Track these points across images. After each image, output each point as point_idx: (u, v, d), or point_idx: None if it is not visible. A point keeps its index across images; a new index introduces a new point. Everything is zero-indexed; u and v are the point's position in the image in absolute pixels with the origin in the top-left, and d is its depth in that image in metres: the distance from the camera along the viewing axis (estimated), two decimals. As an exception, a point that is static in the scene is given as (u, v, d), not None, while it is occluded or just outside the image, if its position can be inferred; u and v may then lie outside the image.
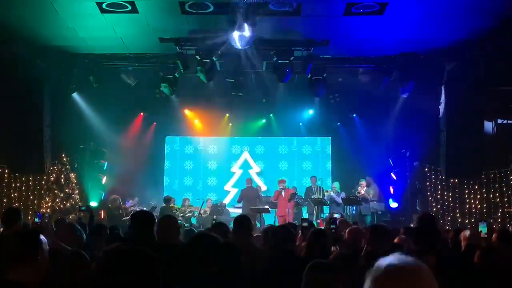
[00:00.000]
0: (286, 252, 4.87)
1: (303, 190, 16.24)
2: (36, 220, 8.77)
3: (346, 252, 4.96)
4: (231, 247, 3.37)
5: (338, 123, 17.73)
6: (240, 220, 5.69)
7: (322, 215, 15.39)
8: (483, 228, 6.29)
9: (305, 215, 15.28)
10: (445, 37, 11.99)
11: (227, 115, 17.75)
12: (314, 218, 15.04)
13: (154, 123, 17.76)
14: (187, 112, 17.60)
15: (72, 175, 15.31)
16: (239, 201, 15.69)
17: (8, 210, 6.27)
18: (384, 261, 1.85)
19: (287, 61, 12.79)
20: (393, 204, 15.84)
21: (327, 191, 15.57)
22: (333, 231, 5.98)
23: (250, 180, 16.08)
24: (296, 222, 13.88)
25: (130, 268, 2.23)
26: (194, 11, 10.77)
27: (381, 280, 1.80)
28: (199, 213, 15.21)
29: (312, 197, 15.33)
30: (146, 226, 4.73)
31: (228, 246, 3.32)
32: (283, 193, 14.93)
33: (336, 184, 15.63)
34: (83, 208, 10.62)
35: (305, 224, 7.12)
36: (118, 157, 16.51)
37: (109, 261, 2.29)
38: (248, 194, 15.33)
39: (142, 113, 17.39)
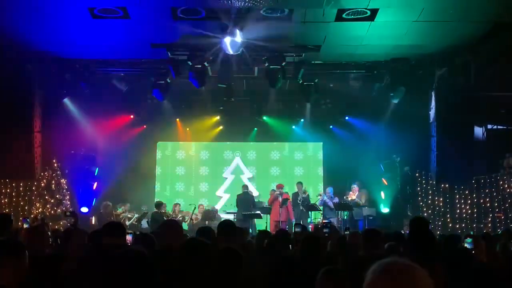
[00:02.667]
0: (279, 256, 4.88)
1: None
2: (25, 225, 8.74)
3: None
4: (229, 252, 3.39)
5: (330, 128, 17.76)
6: (223, 226, 5.64)
7: (311, 220, 15.41)
8: (468, 244, 6.01)
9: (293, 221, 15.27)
10: (435, 43, 12.09)
11: (219, 120, 17.75)
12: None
13: (146, 128, 17.71)
14: (178, 117, 17.56)
15: (63, 181, 15.24)
16: (238, 206, 15.66)
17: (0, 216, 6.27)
18: (382, 261, 1.88)
19: (279, 67, 12.85)
20: (384, 209, 15.90)
21: (320, 195, 15.60)
22: (326, 235, 6.00)
23: (245, 186, 16.08)
24: (287, 228, 13.97)
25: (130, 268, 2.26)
26: (185, 17, 10.81)
27: (378, 278, 1.83)
28: (191, 218, 15.18)
29: (304, 203, 15.32)
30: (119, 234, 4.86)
31: (226, 251, 3.34)
32: (280, 198, 14.89)
33: (330, 190, 15.64)
34: (67, 213, 10.59)
35: (298, 229, 7.14)
36: (109, 163, 16.45)
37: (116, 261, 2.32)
38: (243, 199, 15.33)
39: (133, 118, 17.33)
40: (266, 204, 15.79)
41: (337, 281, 3.51)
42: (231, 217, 14.99)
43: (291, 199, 15.52)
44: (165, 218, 14.45)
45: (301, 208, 15.30)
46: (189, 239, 3.61)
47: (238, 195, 15.62)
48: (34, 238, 4.93)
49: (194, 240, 3.59)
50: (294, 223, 14.42)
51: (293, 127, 18.02)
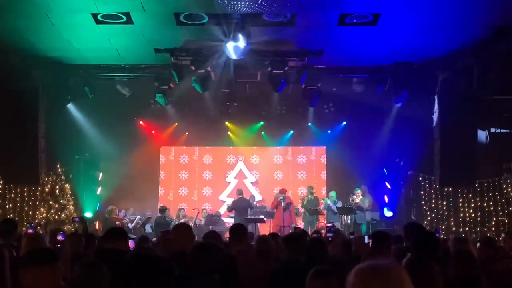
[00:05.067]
0: (286, 260, 4.89)
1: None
2: (30, 230, 8.75)
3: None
4: (232, 257, 3.42)
5: (333, 133, 17.78)
6: (235, 229, 5.72)
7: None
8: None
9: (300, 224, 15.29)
10: (438, 47, 12.10)
11: (222, 125, 17.78)
12: (309, 228, 15.07)
13: (149, 133, 17.76)
14: (181, 122, 17.59)
15: (67, 186, 15.27)
16: (229, 211, 15.69)
17: (5, 221, 6.32)
18: (359, 265, 1.93)
19: (282, 71, 12.86)
20: (388, 213, 15.89)
21: (323, 199, 15.62)
22: (329, 239, 6.02)
23: (240, 190, 16.06)
24: (290, 231, 13.97)
25: (148, 273, 2.29)
26: (189, 22, 10.84)
27: (353, 280, 1.88)
28: (194, 223, 15.19)
29: (308, 207, 15.35)
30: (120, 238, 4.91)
31: (229, 256, 3.37)
32: (283, 204, 14.92)
33: (333, 194, 15.66)
34: (76, 219, 10.61)
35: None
36: (113, 168, 16.50)
37: (128, 267, 2.34)
38: (240, 205, 15.32)
39: (137, 123, 17.39)
40: (267, 208, 15.83)
41: (325, 282, 3.53)
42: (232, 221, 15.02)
43: (296, 203, 15.59)
44: (170, 223, 14.50)
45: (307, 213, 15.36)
46: (200, 243, 3.64)
47: (234, 201, 15.61)
48: (34, 246, 4.96)
49: (206, 243, 3.62)
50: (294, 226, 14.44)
51: (296, 131, 18.03)
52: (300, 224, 15.39)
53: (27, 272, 3.24)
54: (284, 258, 5.23)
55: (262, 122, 17.73)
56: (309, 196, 15.58)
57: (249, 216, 14.88)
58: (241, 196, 15.64)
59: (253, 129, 18.00)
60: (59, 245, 5.56)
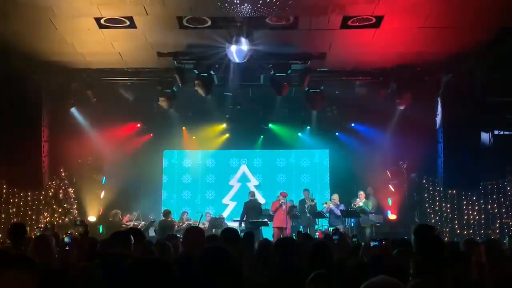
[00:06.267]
0: (286, 265, 4.86)
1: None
2: (38, 234, 8.76)
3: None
4: (237, 262, 3.42)
5: (336, 135, 17.77)
6: (227, 233, 5.69)
7: (319, 227, 15.44)
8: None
9: (301, 228, 15.26)
10: (441, 49, 12.08)
11: (225, 128, 17.79)
12: (309, 231, 15.06)
13: (152, 137, 17.75)
14: (184, 126, 17.61)
15: (70, 190, 15.29)
16: (242, 216, 15.55)
17: (15, 225, 6.38)
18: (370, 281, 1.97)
19: (285, 74, 12.86)
20: (392, 216, 15.85)
21: (326, 203, 15.60)
22: (335, 242, 6.00)
23: (252, 193, 16.06)
24: (294, 235, 13.97)
25: (152, 277, 2.28)
26: (192, 26, 10.86)
27: None
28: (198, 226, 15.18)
29: (311, 211, 15.33)
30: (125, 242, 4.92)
31: (235, 259, 3.37)
32: (283, 206, 14.93)
33: (336, 197, 15.65)
34: (78, 223, 10.60)
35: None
36: (116, 172, 16.50)
37: (132, 270, 2.34)
38: (251, 205, 15.33)
39: (139, 127, 17.38)
40: (271, 212, 15.81)
41: (323, 286, 3.53)
42: (237, 225, 15.03)
43: (296, 206, 15.57)
44: (174, 226, 14.51)
45: (307, 215, 15.32)
46: (211, 246, 3.63)
47: (245, 203, 15.60)
48: (40, 250, 4.96)
49: (217, 247, 3.61)
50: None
51: (299, 134, 18.04)
52: (299, 227, 15.39)
53: (1, 276, 3.28)
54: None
55: (265, 126, 17.74)
56: (310, 203, 15.54)
57: (254, 220, 14.86)
58: (253, 198, 15.69)
59: (256, 132, 18.00)
60: (67, 248, 5.57)
